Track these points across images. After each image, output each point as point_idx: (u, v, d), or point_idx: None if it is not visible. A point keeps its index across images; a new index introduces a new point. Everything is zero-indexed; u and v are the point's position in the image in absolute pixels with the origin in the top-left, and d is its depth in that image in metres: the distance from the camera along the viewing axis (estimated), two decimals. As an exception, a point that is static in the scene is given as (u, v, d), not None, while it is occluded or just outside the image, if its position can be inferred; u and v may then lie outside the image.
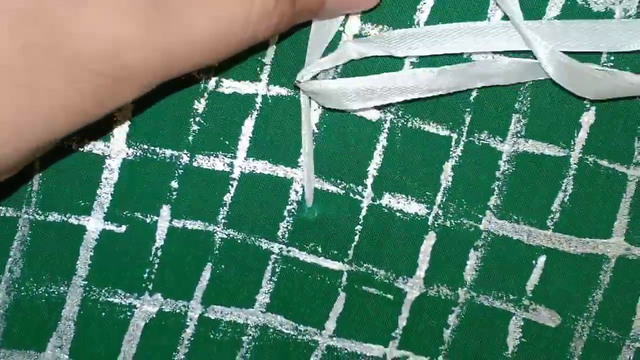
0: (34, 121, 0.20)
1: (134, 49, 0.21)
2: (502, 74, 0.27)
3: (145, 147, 0.28)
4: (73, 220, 0.28)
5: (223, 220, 0.29)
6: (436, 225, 0.29)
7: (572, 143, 0.28)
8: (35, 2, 0.20)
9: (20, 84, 0.20)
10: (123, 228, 0.29)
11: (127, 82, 0.21)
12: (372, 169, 0.29)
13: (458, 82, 0.27)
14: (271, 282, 0.29)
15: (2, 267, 0.28)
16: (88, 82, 0.20)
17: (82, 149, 0.28)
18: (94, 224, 0.28)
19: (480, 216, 0.29)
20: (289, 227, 0.29)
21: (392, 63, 0.28)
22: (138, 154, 0.28)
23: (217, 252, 0.29)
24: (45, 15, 0.20)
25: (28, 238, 0.28)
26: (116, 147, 0.28)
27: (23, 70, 0.20)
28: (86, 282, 0.29)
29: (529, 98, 0.28)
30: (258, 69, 0.28)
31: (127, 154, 0.28)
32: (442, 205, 0.29)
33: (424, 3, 0.27)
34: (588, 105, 0.28)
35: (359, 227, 0.29)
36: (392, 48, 0.27)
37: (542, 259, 0.29)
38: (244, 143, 0.28)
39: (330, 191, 0.29)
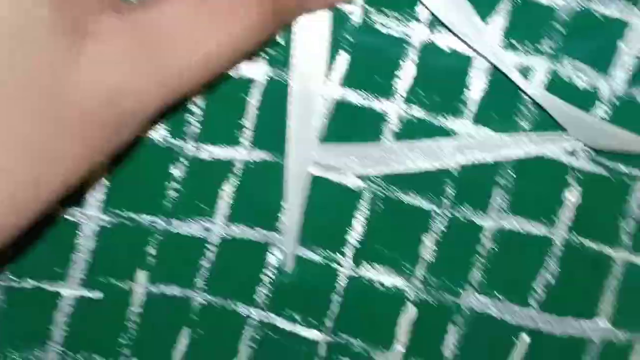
0: (40, 187, 0.20)
1: (132, 94, 0.21)
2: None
3: (121, 213, 0.28)
4: (47, 286, 0.28)
5: (200, 286, 0.28)
6: (416, 299, 0.28)
7: (557, 222, 0.27)
8: (32, 58, 0.19)
9: (33, 150, 0.20)
10: (99, 294, 0.28)
11: (127, 124, 0.22)
12: (353, 238, 0.28)
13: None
14: (249, 348, 0.29)
15: (-23, 332, 0.28)
16: (92, 133, 0.21)
17: (56, 216, 0.27)
18: (69, 290, 0.28)
19: (461, 291, 0.28)
20: (267, 293, 0.29)
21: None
22: (114, 221, 0.28)
23: (194, 317, 0.29)
24: (45, 71, 0.20)
25: (3, 305, 0.28)
26: (91, 214, 0.27)
27: (36, 136, 0.20)
28: (62, 349, 0.28)
29: (514, 175, 0.27)
30: (238, 132, 0.27)
31: (102, 220, 0.27)
32: (422, 279, 0.28)
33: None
34: (572, 184, 0.27)
35: (337, 297, 0.28)
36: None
37: (525, 338, 0.28)
38: (222, 208, 0.28)
39: (309, 258, 0.28)
